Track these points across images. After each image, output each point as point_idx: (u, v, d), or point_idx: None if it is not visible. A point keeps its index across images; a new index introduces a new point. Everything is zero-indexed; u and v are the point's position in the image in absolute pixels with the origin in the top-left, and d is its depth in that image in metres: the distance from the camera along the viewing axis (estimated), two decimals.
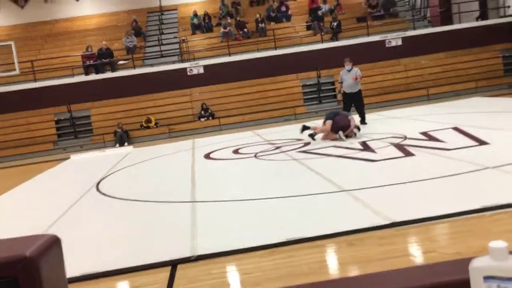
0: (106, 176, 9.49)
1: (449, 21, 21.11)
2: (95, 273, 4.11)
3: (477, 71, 17.88)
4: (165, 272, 4.00)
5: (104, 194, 7.72)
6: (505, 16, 18.80)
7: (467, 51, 18.40)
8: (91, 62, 18.73)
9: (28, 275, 1.23)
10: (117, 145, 15.92)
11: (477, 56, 18.35)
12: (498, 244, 1.03)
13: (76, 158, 13.81)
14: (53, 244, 1.28)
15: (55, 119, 17.48)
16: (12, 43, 16.27)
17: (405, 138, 8.96)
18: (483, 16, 19.55)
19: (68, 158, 13.93)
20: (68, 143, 16.82)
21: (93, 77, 18.29)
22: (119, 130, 16.20)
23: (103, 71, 18.62)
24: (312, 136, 10.05)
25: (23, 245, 1.23)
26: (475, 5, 19.74)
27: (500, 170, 5.69)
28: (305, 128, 10.25)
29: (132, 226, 5.64)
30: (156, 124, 17.10)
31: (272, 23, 20.76)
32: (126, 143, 15.94)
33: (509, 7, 18.68)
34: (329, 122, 9.96)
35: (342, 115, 10.12)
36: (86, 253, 4.74)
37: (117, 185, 8.57)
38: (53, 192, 8.82)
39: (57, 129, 17.46)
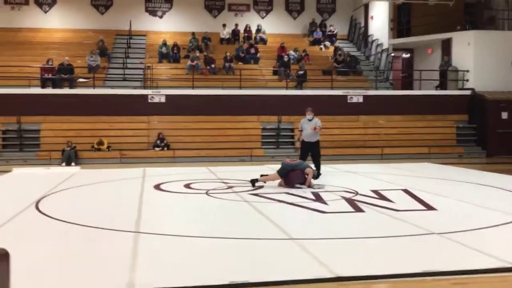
0: (47, 195, 9.08)
1: (410, 87, 21.98)
2: None
3: (431, 137, 18.47)
4: None
5: (43, 213, 7.37)
6: (463, 88, 19.68)
7: (423, 117, 19.06)
8: (50, 75, 18.26)
9: None
10: (64, 164, 15.36)
11: (432, 123, 19.00)
12: None
13: (19, 172, 13.19)
14: (1, 257, 1.14)
15: (3, 129, 16.77)
16: None
17: (357, 193, 9.03)
18: (442, 86, 20.41)
19: (9, 171, 13.29)
20: (12, 155, 16.10)
21: (49, 90, 17.81)
22: (68, 148, 15.66)
23: (60, 86, 18.16)
24: (254, 182, 9.87)
25: None
26: (436, 75, 20.63)
27: (445, 237, 5.76)
28: (254, 181, 9.97)
29: (68, 251, 5.33)
30: (108, 147, 16.66)
31: (240, 63, 20.97)
32: (73, 163, 15.40)
33: (467, 80, 19.59)
34: (276, 175, 9.86)
35: (299, 169, 9.88)
36: (14, 274, 4.39)
37: (58, 205, 8.19)
38: None
39: (3, 139, 16.74)
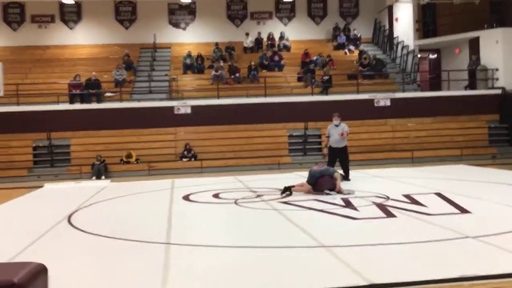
0: (79, 209, 9.18)
1: (438, 88, 21.60)
2: None
3: (462, 139, 18.10)
4: None
5: (75, 227, 7.44)
6: (493, 88, 19.26)
7: (453, 118, 18.70)
8: (78, 91, 18.59)
9: None
10: (94, 177, 15.56)
11: (464, 124, 18.63)
12: None
13: (50, 187, 13.41)
14: (40, 272, 1.12)
15: (33, 145, 17.12)
16: (0, 64, 16.10)
17: (388, 198, 8.88)
18: (471, 86, 20.01)
19: (41, 186, 13.52)
20: (44, 171, 16.39)
21: (77, 106, 18.13)
22: (97, 162, 15.87)
23: (88, 102, 18.45)
24: (286, 191, 9.74)
25: (10, 271, 1.08)
26: (465, 75, 20.24)
27: (480, 241, 5.63)
28: (286, 189, 9.83)
29: (102, 264, 5.40)
30: (136, 160, 16.82)
31: (264, 71, 20.97)
32: (103, 176, 15.59)
33: (497, 79, 19.16)
34: (307, 185, 9.74)
35: (327, 175, 9.77)
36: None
37: (90, 219, 8.27)
38: (22, 221, 8.48)
39: (34, 155, 17.07)
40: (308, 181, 9.78)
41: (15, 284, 1.09)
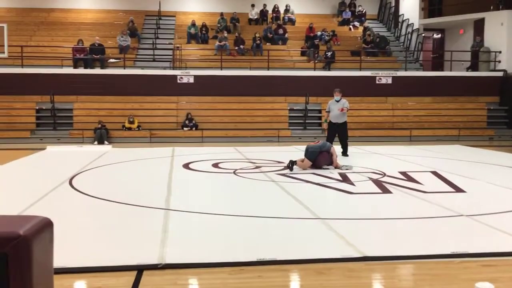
0: (81, 172, 9.32)
1: (440, 68, 21.60)
2: (56, 268, 3.97)
3: (461, 119, 18.19)
4: (130, 277, 3.90)
5: (76, 189, 7.58)
6: (495, 70, 19.25)
7: (453, 99, 18.75)
8: (82, 55, 18.56)
9: (19, 253, 1.18)
10: (96, 142, 15.70)
11: (463, 105, 18.70)
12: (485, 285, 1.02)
13: (53, 150, 13.54)
14: (46, 226, 1.24)
15: (37, 107, 17.21)
16: (5, 25, 16.03)
17: (384, 175, 8.99)
18: (473, 67, 19.99)
19: (44, 148, 13.65)
20: (46, 133, 16.53)
21: (81, 71, 18.14)
22: (100, 127, 15.99)
23: (92, 67, 18.45)
24: (291, 165, 9.74)
25: (16, 224, 1.18)
26: (467, 56, 20.20)
27: (474, 219, 5.73)
28: (291, 163, 9.73)
29: (102, 226, 5.53)
30: (138, 126, 16.94)
31: (268, 43, 20.90)
32: (105, 142, 15.73)
33: (499, 62, 19.14)
34: (307, 162, 9.80)
35: (325, 151, 9.82)
36: None
37: (91, 182, 8.42)
38: (24, 182, 8.62)
39: (37, 118, 17.18)
40: (309, 157, 9.81)
41: (21, 236, 1.18)
